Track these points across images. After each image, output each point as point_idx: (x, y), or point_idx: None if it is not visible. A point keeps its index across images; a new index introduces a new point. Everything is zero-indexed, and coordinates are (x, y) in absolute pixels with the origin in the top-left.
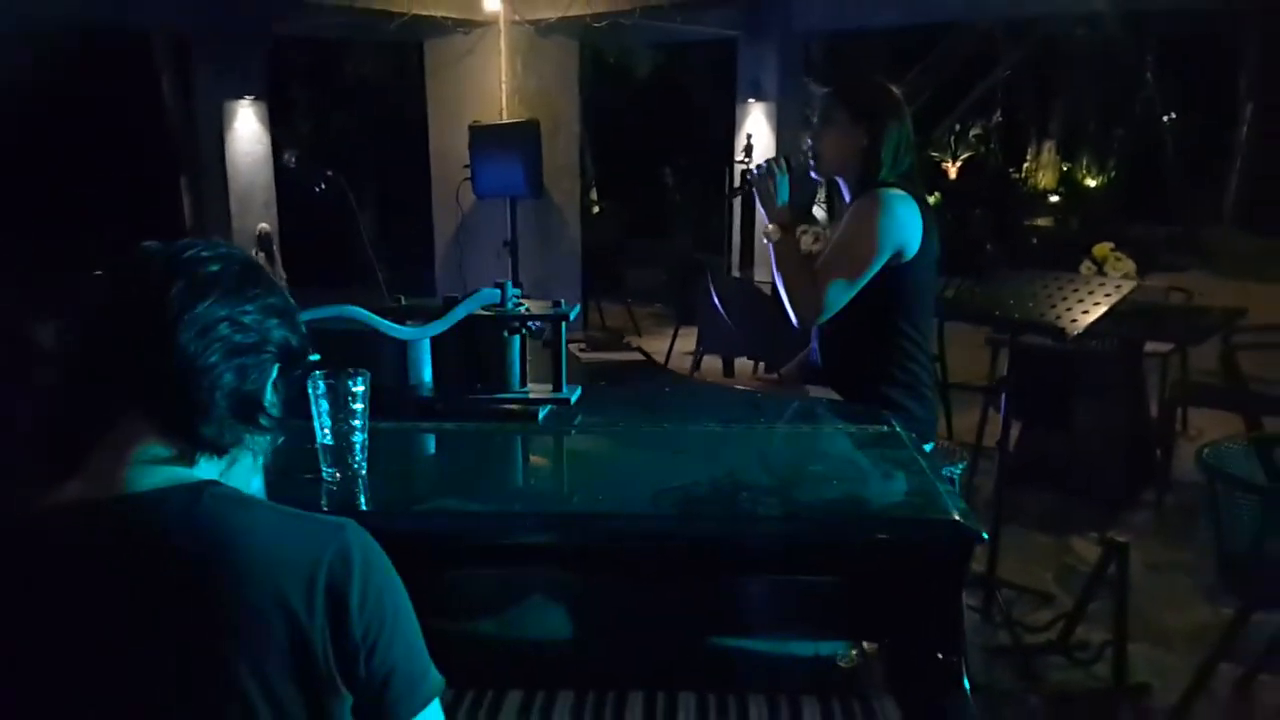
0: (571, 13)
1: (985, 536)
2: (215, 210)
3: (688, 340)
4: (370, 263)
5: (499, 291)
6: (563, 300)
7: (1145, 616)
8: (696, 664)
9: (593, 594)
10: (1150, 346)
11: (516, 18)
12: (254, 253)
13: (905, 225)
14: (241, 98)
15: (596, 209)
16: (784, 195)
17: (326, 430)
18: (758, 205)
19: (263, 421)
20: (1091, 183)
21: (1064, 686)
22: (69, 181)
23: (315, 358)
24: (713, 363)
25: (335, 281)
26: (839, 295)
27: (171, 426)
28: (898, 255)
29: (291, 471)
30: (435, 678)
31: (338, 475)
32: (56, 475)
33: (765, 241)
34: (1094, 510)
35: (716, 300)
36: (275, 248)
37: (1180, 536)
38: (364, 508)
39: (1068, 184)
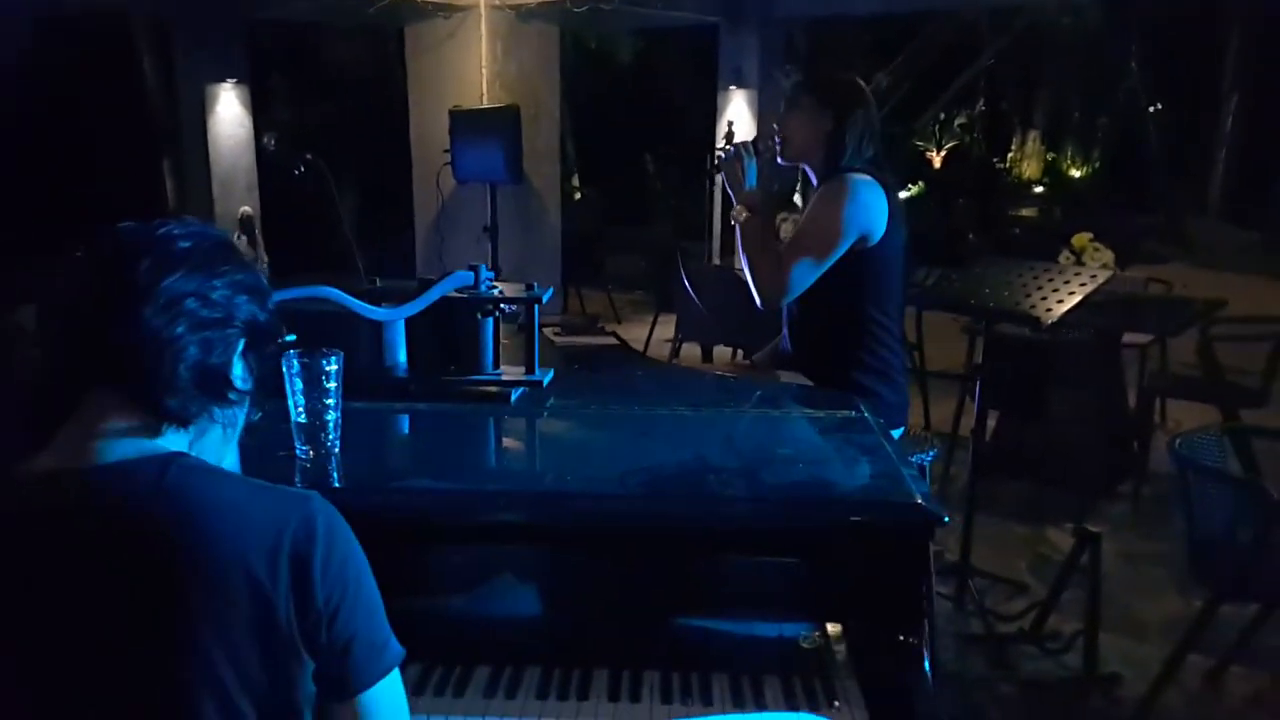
0: None
1: (946, 520)
2: (197, 194)
3: (667, 327)
4: (349, 246)
5: (472, 274)
6: (536, 284)
7: (1118, 607)
8: (660, 642)
9: (559, 572)
10: (1129, 337)
11: (497, 2)
12: (236, 236)
13: (870, 209)
14: (223, 81)
15: (578, 195)
16: (752, 179)
17: (300, 409)
18: (726, 187)
19: (229, 395)
20: (1076, 173)
21: (1035, 675)
22: (50, 166)
23: (292, 338)
24: (692, 350)
25: (316, 265)
26: (803, 276)
27: (138, 399)
28: (863, 239)
29: (267, 448)
30: (395, 647)
31: (311, 453)
32: (30, 448)
33: (733, 223)
34: (1070, 501)
35: (689, 287)
36: (258, 231)
37: (1156, 528)
38: (336, 484)
39: (1052, 174)
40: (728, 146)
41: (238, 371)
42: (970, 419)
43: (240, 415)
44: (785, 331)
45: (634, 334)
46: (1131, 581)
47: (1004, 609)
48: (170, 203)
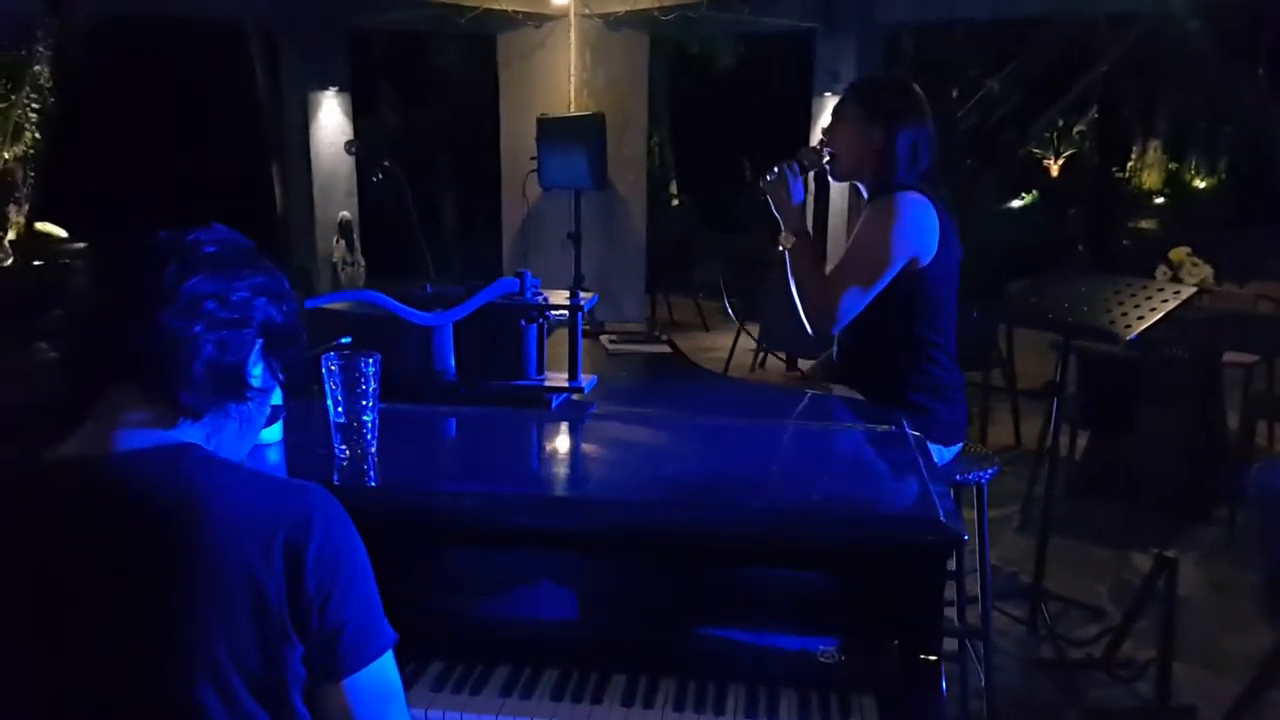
0: (640, 6)
1: (966, 538)
2: (299, 199)
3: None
4: (422, 252)
5: (518, 281)
6: (587, 292)
7: (1202, 637)
8: (679, 650)
9: (581, 576)
10: (1234, 356)
11: (586, 11)
12: (335, 240)
13: (921, 230)
14: (325, 89)
15: (675, 202)
16: (798, 200)
17: (339, 409)
18: (773, 211)
19: (244, 393)
20: (1201, 184)
21: (1103, 703)
22: (165, 171)
23: (347, 340)
24: (776, 362)
25: (410, 269)
26: (852, 305)
27: (155, 394)
28: (913, 261)
29: (308, 446)
30: (388, 633)
31: (348, 452)
32: (57, 437)
33: (780, 249)
34: (1161, 525)
35: (769, 296)
36: (355, 235)
37: (1251, 556)
38: (371, 484)
39: (1174, 184)
40: (773, 169)
41: (255, 371)
42: (1064, 438)
43: (256, 412)
44: (835, 348)
45: (720, 343)
46: (1218, 611)
47: (1077, 634)
48: (279, 208)
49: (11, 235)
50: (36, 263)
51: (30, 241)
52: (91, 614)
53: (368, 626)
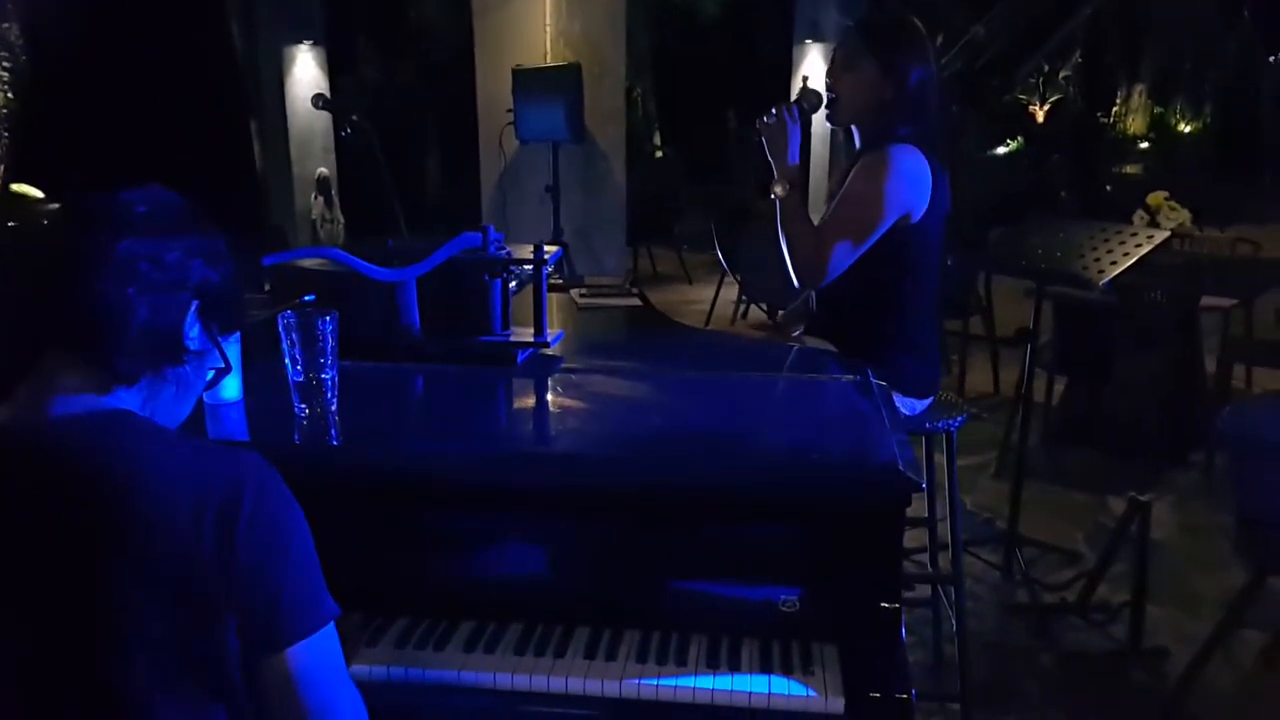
0: None
1: (924, 486)
2: (275, 155)
3: (736, 288)
4: (394, 208)
5: (480, 235)
6: (549, 246)
7: (1175, 579)
8: (641, 603)
9: (543, 532)
10: (1211, 301)
11: None
12: (314, 197)
13: (914, 185)
14: (300, 43)
15: (659, 154)
16: (795, 148)
17: (298, 368)
18: (768, 157)
19: (180, 356)
20: (1186, 128)
21: (1077, 646)
22: (142, 129)
23: (311, 297)
24: (758, 313)
25: (388, 226)
26: (842, 259)
27: (89, 359)
28: (905, 217)
29: (267, 408)
30: (329, 606)
31: (308, 411)
32: None
33: (772, 197)
34: (1138, 470)
35: (749, 248)
36: (334, 192)
37: (1225, 499)
38: (333, 443)
39: (1159, 130)
40: (770, 111)
41: (192, 333)
42: (1039, 384)
43: (194, 376)
44: (813, 298)
45: (702, 295)
46: (1191, 553)
47: (1053, 579)
48: (258, 164)
49: None
50: (11, 224)
51: (6, 203)
52: (19, 584)
53: (306, 597)
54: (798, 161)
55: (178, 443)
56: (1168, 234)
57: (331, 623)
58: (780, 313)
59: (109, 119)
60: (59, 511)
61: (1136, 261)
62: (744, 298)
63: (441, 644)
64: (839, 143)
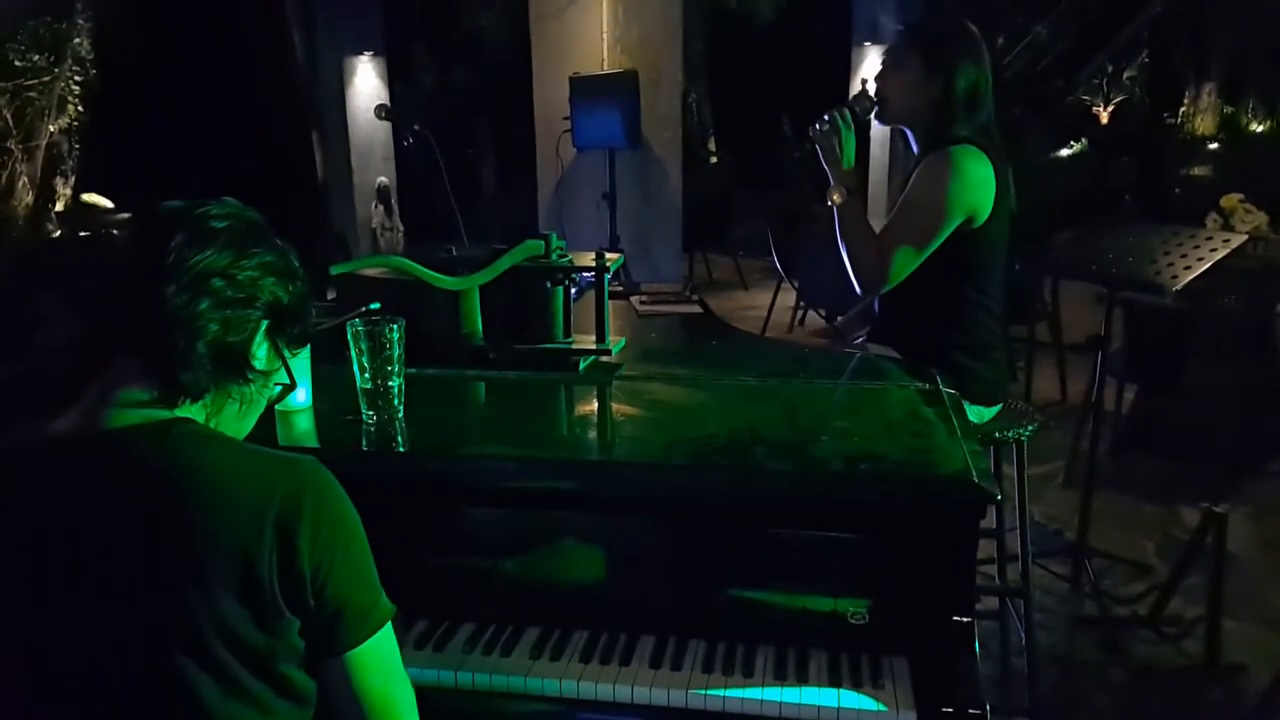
0: None
1: (999, 498)
2: (337, 164)
3: (792, 294)
4: (454, 216)
5: (543, 243)
6: (617, 254)
7: (1252, 594)
8: (708, 612)
9: (610, 539)
10: None
11: None
12: (374, 205)
13: (977, 188)
14: (360, 54)
15: (714, 159)
16: (850, 153)
17: (365, 375)
18: (823, 164)
19: (246, 374)
20: (1258, 128)
21: (1149, 661)
22: (207, 139)
23: (376, 305)
24: (818, 321)
25: (448, 233)
26: (904, 265)
27: (154, 371)
28: (969, 221)
29: (335, 413)
30: (385, 606)
31: (375, 417)
32: (56, 412)
33: (829, 204)
34: (1211, 480)
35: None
36: (393, 200)
37: None
38: (400, 449)
39: (1229, 130)
40: (823, 117)
41: (259, 352)
42: (1110, 391)
43: (258, 394)
44: (876, 304)
45: (759, 301)
46: (1270, 567)
47: (1123, 591)
48: (320, 173)
49: (59, 207)
50: (83, 234)
51: (77, 213)
52: (86, 587)
53: (364, 603)
54: (854, 167)
55: (235, 449)
56: (1244, 237)
57: (389, 621)
58: (839, 318)
59: (176, 131)
60: (118, 520)
61: (1211, 266)
62: (801, 303)
63: (508, 649)
64: (899, 149)
